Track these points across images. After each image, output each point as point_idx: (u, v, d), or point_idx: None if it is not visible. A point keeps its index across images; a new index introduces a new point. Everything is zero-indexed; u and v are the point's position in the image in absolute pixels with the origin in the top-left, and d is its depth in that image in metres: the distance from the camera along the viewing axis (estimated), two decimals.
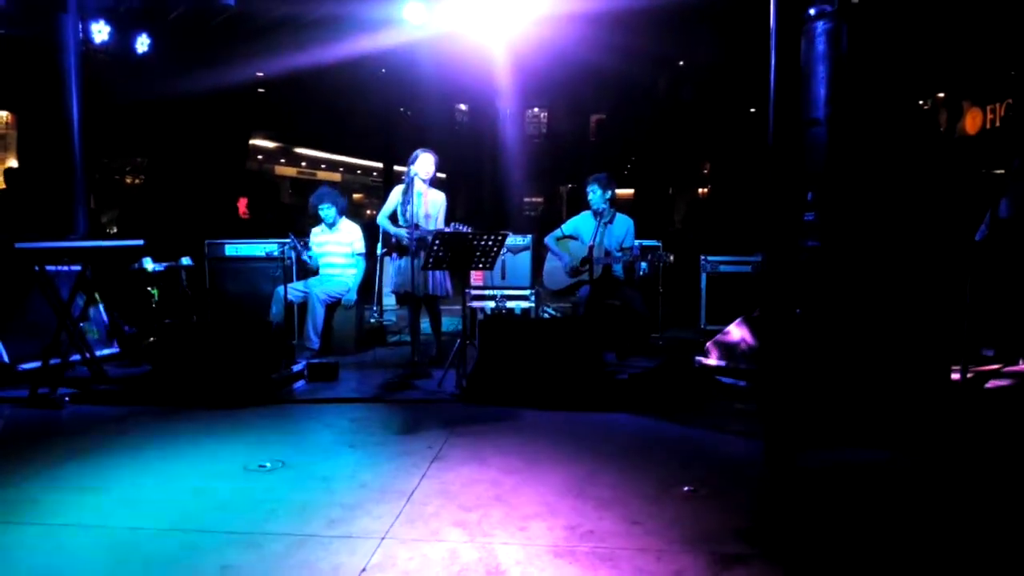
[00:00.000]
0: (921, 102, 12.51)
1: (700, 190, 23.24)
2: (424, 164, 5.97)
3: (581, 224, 6.61)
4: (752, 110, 15.61)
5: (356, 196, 29.63)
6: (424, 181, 6.02)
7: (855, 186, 4.39)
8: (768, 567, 2.69)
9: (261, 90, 16.03)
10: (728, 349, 5.73)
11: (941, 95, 12.12)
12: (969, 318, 5.07)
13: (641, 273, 6.56)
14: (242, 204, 18.24)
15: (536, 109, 25.59)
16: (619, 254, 6.37)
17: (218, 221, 11.20)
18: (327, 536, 2.97)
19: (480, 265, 5.54)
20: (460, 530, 3.02)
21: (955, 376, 5.01)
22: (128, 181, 19.60)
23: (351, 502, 3.31)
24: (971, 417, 4.58)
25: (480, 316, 7.17)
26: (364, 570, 2.69)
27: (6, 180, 8.09)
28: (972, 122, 11.18)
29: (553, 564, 2.73)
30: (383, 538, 2.94)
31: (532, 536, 2.96)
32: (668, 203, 22.33)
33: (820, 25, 4.38)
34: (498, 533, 2.99)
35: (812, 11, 4.51)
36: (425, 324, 6.48)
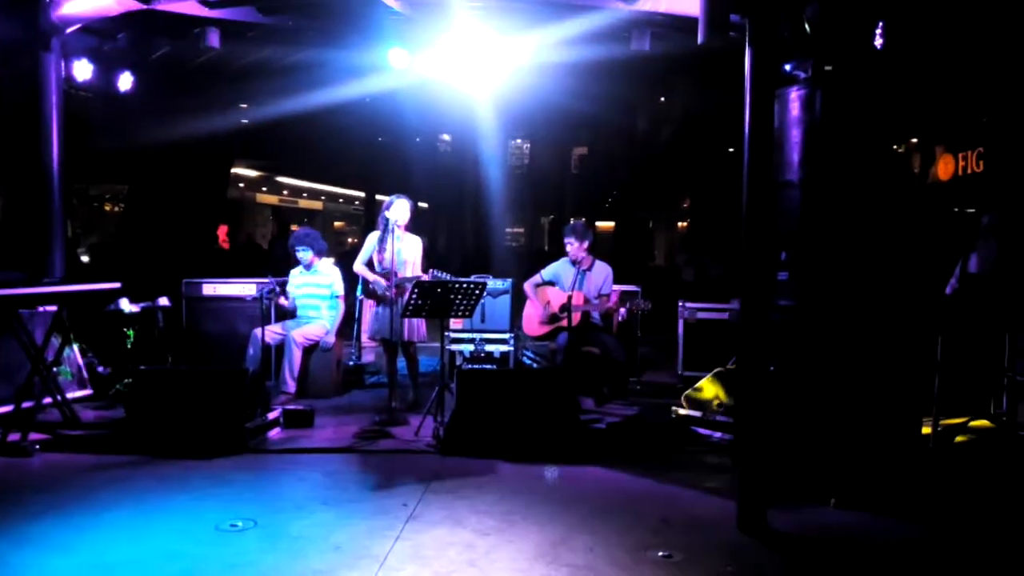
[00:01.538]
0: (895, 146, 12.80)
1: (680, 224, 23.49)
2: (399, 210, 6.01)
3: (560, 270, 6.67)
4: (731, 149, 15.85)
5: (337, 224, 29.71)
6: (400, 227, 6.04)
7: (827, 246, 4.47)
8: None
9: (244, 121, 16.08)
10: (702, 402, 5.78)
11: (914, 140, 12.39)
12: (940, 373, 5.17)
13: (620, 319, 6.61)
14: (222, 232, 18.17)
15: (519, 140, 25.81)
16: (597, 301, 6.43)
17: (198, 252, 11.15)
18: None
19: (459, 313, 5.56)
20: None
21: (926, 431, 5.09)
22: (108, 208, 19.52)
23: (323, 567, 3.29)
24: (942, 473, 4.66)
25: (459, 359, 7.20)
26: None
27: None
28: (944, 168, 11.42)
29: None
30: None
31: None
32: (648, 237, 22.56)
33: (794, 90, 4.48)
34: None
35: (788, 68, 4.63)
36: (402, 365, 6.47)
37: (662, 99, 19.00)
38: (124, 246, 12.25)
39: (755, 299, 3.86)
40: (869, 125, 4.61)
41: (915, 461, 4.52)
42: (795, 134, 4.47)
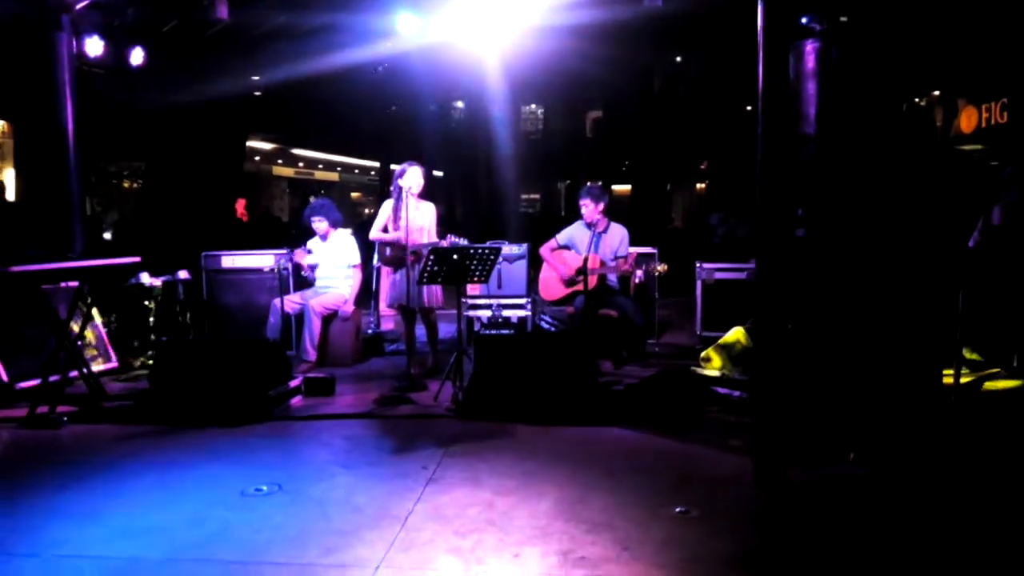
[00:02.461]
0: (917, 99, 12.55)
1: (698, 186, 23.29)
2: (412, 177, 6.00)
3: (576, 233, 6.65)
4: (748, 108, 15.63)
5: (354, 195, 29.72)
6: (413, 194, 6.04)
7: (845, 200, 4.41)
8: None
9: (258, 93, 16.05)
10: (723, 360, 5.78)
11: (936, 93, 12.15)
12: (962, 327, 5.11)
13: (636, 281, 6.59)
14: (240, 205, 18.26)
15: (533, 106, 25.62)
16: (613, 263, 6.41)
17: (216, 225, 11.23)
18: (323, 565, 3.01)
19: (475, 279, 5.57)
20: (454, 557, 3.06)
21: (946, 383, 5.05)
22: (126, 185, 19.67)
23: (346, 528, 3.35)
24: (963, 425, 4.63)
25: (477, 326, 7.24)
26: None
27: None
28: (967, 121, 11.19)
29: None
30: (377, 567, 2.98)
31: (524, 563, 3.01)
32: (666, 199, 22.36)
33: (809, 43, 4.39)
34: (491, 561, 3.03)
35: (804, 21, 4.53)
36: (421, 333, 6.51)
37: (678, 59, 18.74)
38: (144, 222, 12.37)
39: (770, 256, 3.83)
40: (887, 77, 4.51)
41: (936, 415, 4.50)
42: (811, 87, 4.39)
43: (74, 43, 6.81)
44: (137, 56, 7.85)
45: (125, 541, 3.24)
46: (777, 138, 3.86)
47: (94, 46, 7.25)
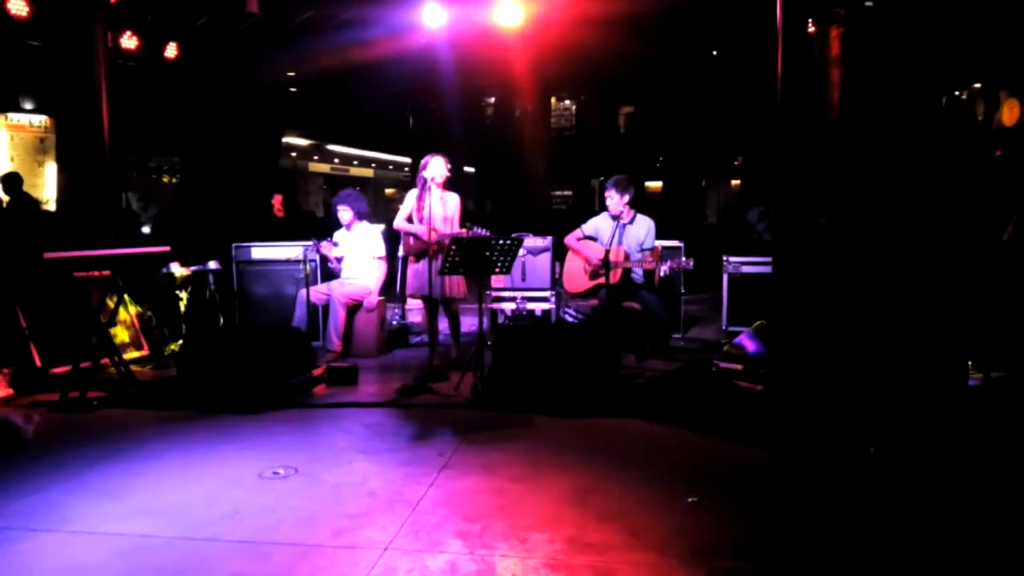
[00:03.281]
0: (957, 92, 12.23)
1: (733, 182, 23.00)
2: (436, 167, 6.03)
3: (601, 224, 6.62)
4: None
5: (388, 191, 29.93)
6: (437, 184, 6.06)
7: (871, 187, 4.33)
8: None
9: (293, 89, 16.23)
10: (745, 353, 5.71)
11: (977, 86, 11.83)
12: (992, 322, 4.99)
13: (663, 274, 6.53)
14: (277, 201, 18.48)
15: (567, 102, 25.53)
16: (638, 256, 6.37)
17: (251, 220, 11.40)
18: (332, 546, 3.05)
19: (497, 269, 5.58)
20: (461, 541, 3.08)
21: (975, 381, 4.94)
22: (166, 180, 20.04)
23: (359, 511, 3.39)
24: (992, 422, 4.52)
25: (501, 318, 7.25)
26: None
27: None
28: (1010, 113, 10.88)
29: None
30: (386, 549, 3.01)
31: (532, 548, 3.01)
32: (700, 196, 22.12)
33: (833, 28, 4.32)
34: (499, 544, 3.04)
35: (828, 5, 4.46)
36: (446, 325, 6.55)
37: (714, 53, 18.51)
38: (180, 216, 12.60)
39: (788, 248, 3.78)
40: (915, 65, 4.41)
41: (961, 411, 4.40)
42: (835, 74, 4.32)
43: (109, 37, 6.96)
44: (171, 50, 8.01)
45: (140, 519, 3.31)
46: (797, 126, 3.81)
47: (129, 40, 7.40)
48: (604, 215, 6.64)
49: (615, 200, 6.44)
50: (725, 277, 7.23)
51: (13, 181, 8.24)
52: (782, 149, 3.76)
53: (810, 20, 4.39)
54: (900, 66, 4.36)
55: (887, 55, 4.32)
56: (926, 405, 4.19)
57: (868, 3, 4.26)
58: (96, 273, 6.13)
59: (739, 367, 5.57)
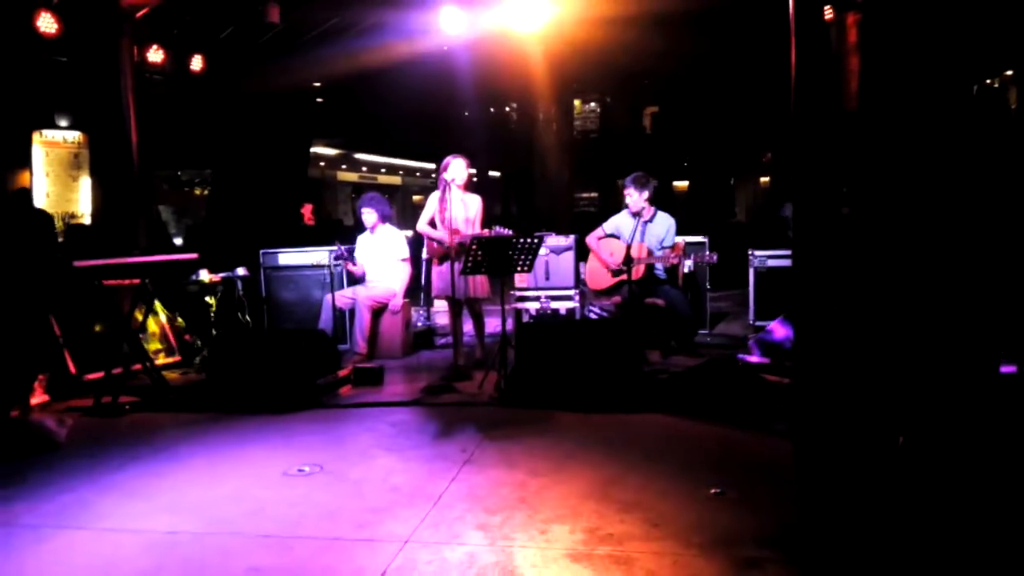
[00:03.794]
0: (988, 81, 12.00)
1: (762, 179, 22.79)
2: (457, 169, 6.06)
3: (622, 222, 6.60)
4: (820, 102, 15.19)
5: (416, 197, 30.12)
6: (459, 186, 6.09)
7: (892, 179, 4.26)
8: (784, 572, 2.68)
9: (319, 100, 16.42)
10: (771, 346, 5.66)
11: (1009, 73, 11.60)
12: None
13: (686, 271, 6.50)
14: (307, 211, 18.67)
15: (593, 104, 25.52)
16: (659, 253, 6.34)
17: (281, 229, 11.55)
18: (353, 539, 3.08)
19: (519, 268, 5.58)
20: (482, 533, 3.09)
21: (1010, 370, 4.83)
22: (198, 192, 20.42)
23: (381, 505, 3.42)
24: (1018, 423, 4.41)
25: (525, 318, 7.26)
26: (384, 573, 2.78)
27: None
28: None
29: (568, 568, 2.77)
30: (406, 541, 3.03)
31: (551, 539, 3.01)
32: (728, 194, 21.96)
33: (851, 14, 4.26)
34: (518, 536, 3.04)
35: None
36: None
37: (739, 46, 18.35)
38: (212, 227, 12.81)
39: (809, 238, 3.73)
40: (938, 51, 4.33)
41: (994, 404, 4.30)
42: (853, 62, 4.26)
43: (136, 51, 7.12)
44: (196, 63, 8.16)
45: (166, 516, 3.37)
46: (814, 116, 3.77)
47: (155, 54, 7.57)
48: (624, 213, 6.62)
49: (634, 198, 6.41)
50: (751, 271, 7.18)
51: (19, 198, 8.22)
52: (799, 140, 3.71)
53: (827, 7, 4.34)
54: (925, 53, 4.28)
55: (910, 42, 4.24)
56: (955, 394, 4.11)
57: None
58: (127, 281, 6.25)
59: (765, 360, 5.52)
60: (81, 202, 11.34)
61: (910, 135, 4.22)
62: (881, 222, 4.30)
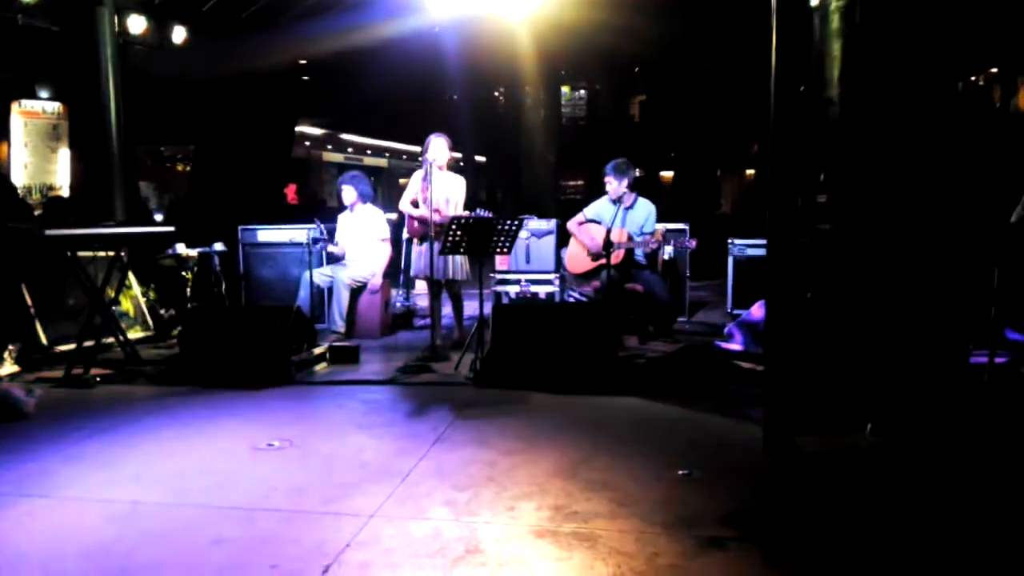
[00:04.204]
0: (974, 78, 12.07)
1: (748, 171, 22.86)
2: (437, 149, 6.02)
3: (602, 208, 6.59)
4: (801, 88, 15.24)
5: (402, 180, 29.97)
6: (440, 166, 6.05)
7: (869, 166, 4.27)
8: (744, 550, 2.69)
9: (306, 78, 16.23)
10: (751, 327, 5.69)
11: (994, 71, 11.68)
12: (997, 304, 4.91)
13: (666, 257, 6.51)
14: (290, 191, 18.53)
15: (581, 91, 25.46)
16: (639, 238, 6.34)
17: (263, 207, 11.43)
18: (319, 513, 3.06)
19: (498, 250, 5.57)
20: (448, 509, 3.08)
21: (981, 361, 4.87)
22: (180, 168, 20.19)
23: (349, 481, 3.40)
24: (996, 406, 4.46)
25: (505, 300, 7.25)
26: (348, 546, 2.77)
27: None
28: None
29: (532, 544, 2.77)
30: (372, 516, 3.02)
31: (517, 516, 3.01)
32: (715, 185, 22.00)
33: (833, 2, 4.26)
34: (484, 512, 3.04)
35: None
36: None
37: (727, 34, 18.34)
38: (193, 203, 12.67)
39: (782, 224, 3.74)
40: (919, 41, 4.34)
41: (963, 393, 4.35)
42: (834, 48, 4.27)
43: (116, 20, 7.00)
44: (179, 34, 8.06)
45: (132, 486, 3.35)
46: (793, 101, 3.77)
47: (136, 23, 7.46)
48: (605, 199, 6.61)
49: (614, 185, 6.41)
50: (731, 260, 7.20)
51: None
52: (778, 126, 3.71)
53: None
54: (902, 41, 4.29)
55: (897, 35, 4.25)
56: (924, 383, 4.15)
57: None
58: (101, 253, 6.18)
59: (740, 347, 5.55)
60: (60, 174, 11.19)
61: (893, 126, 4.24)
62: (858, 211, 4.33)
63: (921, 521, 2.98)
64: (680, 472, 3.44)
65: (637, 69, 18.79)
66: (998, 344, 4.93)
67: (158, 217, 14.31)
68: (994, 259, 4.95)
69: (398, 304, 7.63)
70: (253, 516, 3.03)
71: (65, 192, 10.60)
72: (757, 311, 5.78)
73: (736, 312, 6.94)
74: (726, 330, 5.88)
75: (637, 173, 6.64)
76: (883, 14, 4.20)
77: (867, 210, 4.30)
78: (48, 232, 5.03)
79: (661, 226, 6.60)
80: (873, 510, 3.07)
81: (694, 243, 6.35)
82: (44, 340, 5.82)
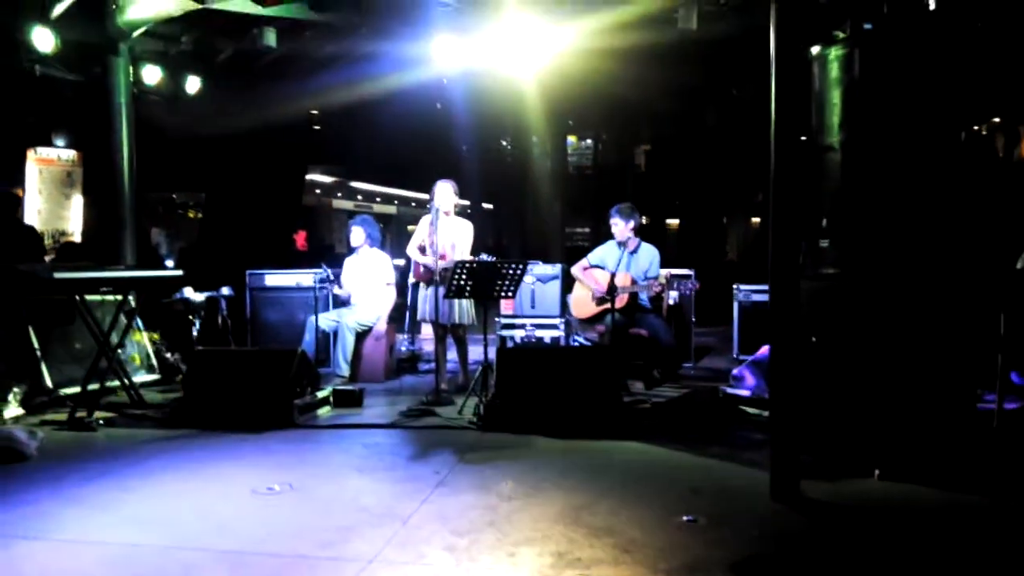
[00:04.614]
0: (977, 127, 12.16)
1: (753, 220, 22.94)
2: (442, 194, 6.08)
3: (607, 253, 6.62)
4: (803, 138, 15.39)
5: (410, 227, 30.21)
6: (446, 211, 6.11)
7: (871, 212, 4.28)
8: None
9: (317, 127, 16.51)
10: (757, 374, 5.65)
11: (996, 120, 11.76)
12: (1005, 352, 4.87)
13: (671, 302, 6.51)
14: (300, 237, 18.64)
15: (588, 141, 25.75)
16: (644, 283, 6.35)
17: (273, 253, 11.51)
18: (316, 557, 3.02)
19: (503, 294, 5.58)
20: (448, 554, 3.04)
21: (990, 407, 4.82)
22: (191, 215, 20.42)
23: (348, 525, 3.36)
24: (1005, 452, 4.39)
25: (510, 345, 7.23)
26: None
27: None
28: None
29: None
30: (370, 561, 2.98)
31: (518, 562, 2.96)
32: (721, 233, 22.08)
33: (833, 50, 4.33)
34: (484, 559, 2.99)
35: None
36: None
37: (734, 91, 18.62)
38: (203, 250, 12.78)
39: (785, 271, 3.74)
40: (919, 89, 4.38)
41: (971, 439, 4.29)
42: (834, 95, 4.32)
43: (131, 71, 7.17)
44: (193, 85, 8.22)
45: (128, 529, 3.31)
46: (793, 148, 3.81)
47: (151, 74, 7.62)
48: (610, 243, 6.64)
49: (620, 227, 6.44)
50: (736, 305, 7.19)
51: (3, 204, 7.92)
52: (778, 171, 3.74)
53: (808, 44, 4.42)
54: (899, 89, 4.33)
55: (886, 77, 4.30)
56: (932, 428, 4.09)
57: (867, 26, 4.27)
58: (109, 297, 6.22)
59: (746, 393, 5.50)
60: (72, 220, 11.32)
61: (894, 173, 4.26)
62: (861, 256, 4.32)
63: (929, 569, 2.91)
64: (685, 518, 3.39)
65: (642, 119, 19.01)
66: (1007, 389, 4.88)
67: (169, 264, 14.44)
68: (1000, 305, 4.93)
69: (403, 348, 7.62)
70: (250, 560, 2.99)
71: (77, 238, 10.72)
72: (758, 360, 5.75)
73: (742, 357, 6.90)
74: (736, 372, 5.83)
75: (643, 220, 6.68)
76: (883, 63, 4.25)
77: (870, 255, 4.30)
78: (57, 275, 5.07)
79: (665, 271, 6.61)
80: (881, 557, 3.00)
81: (697, 285, 6.36)
82: (49, 383, 5.83)
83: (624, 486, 3.86)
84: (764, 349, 5.87)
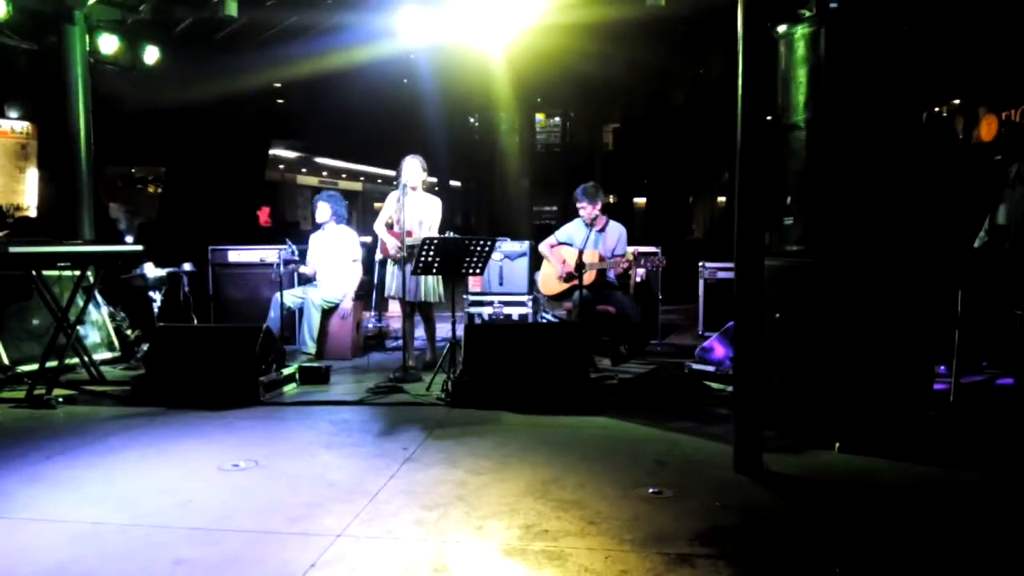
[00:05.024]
0: (938, 109, 12.37)
1: (719, 199, 23.14)
2: (410, 170, 6.03)
3: (574, 231, 6.63)
4: (768, 118, 15.52)
5: (377, 204, 29.97)
6: (413, 187, 6.06)
7: (835, 190, 4.34)
8: (714, 568, 2.68)
9: (280, 100, 16.19)
10: (727, 345, 5.73)
11: (957, 102, 11.97)
12: (962, 329, 5.00)
13: (638, 279, 6.55)
14: (263, 213, 18.38)
15: (556, 119, 25.71)
16: (611, 260, 6.38)
17: (235, 229, 11.32)
18: (284, 533, 3.01)
19: (470, 271, 5.57)
20: (416, 528, 3.05)
21: (943, 387, 4.96)
22: (151, 190, 20.00)
23: (315, 501, 3.35)
24: (960, 427, 4.53)
25: (478, 322, 7.23)
26: (313, 566, 2.72)
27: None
28: (988, 129, 11.01)
29: (501, 562, 2.74)
30: (338, 536, 2.97)
31: (486, 535, 2.98)
32: (687, 212, 22.25)
33: (799, 29, 4.36)
34: (453, 532, 3.01)
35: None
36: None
37: (700, 71, 18.70)
38: (164, 226, 12.53)
39: (749, 247, 3.78)
40: (883, 69, 4.43)
41: (928, 413, 4.41)
42: (800, 74, 4.36)
43: (87, 40, 6.96)
44: (151, 55, 8.01)
45: (93, 507, 3.27)
46: (759, 127, 3.83)
47: (107, 43, 7.40)
48: (577, 221, 6.66)
49: (588, 210, 6.47)
50: (701, 283, 7.26)
51: None
52: (744, 149, 3.77)
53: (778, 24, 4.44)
54: (864, 68, 4.38)
55: (852, 56, 4.34)
56: (890, 401, 4.20)
57: (833, 4, 4.30)
58: (68, 272, 6.08)
59: (710, 368, 5.58)
60: (27, 194, 11.04)
61: (858, 152, 4.31)
62: (825, 234, 4.39)
63: (888, 537, 2.99)
64: (651, 491, 3.44)
65: (610, 96, 19.01)
66: (964, 366, 5.02)
67: (129, 239, 14.14)
68: (958, 283, 5.06)
69: (370, 325, 7.58)
70: (216, 537, 2.97)
71: (33, 212, 10.45)
72: (722, 336, 5.83)
73: (707, 334, 6.97)
74: (706, 344, 5.91)
75: (610, 199, 6.70)
76: (848, 42, 4.29)
77: (833, 233, 4.37)
78: (12, 249, 4.94)
79: (632, 248, 6.64)
80: (841, 526, 3.08)
81: (663, 262, 6.42)
82: (6, 360, 5.70)
83: (591, 460, 3.90)
84: (716, 335, 5.95)
